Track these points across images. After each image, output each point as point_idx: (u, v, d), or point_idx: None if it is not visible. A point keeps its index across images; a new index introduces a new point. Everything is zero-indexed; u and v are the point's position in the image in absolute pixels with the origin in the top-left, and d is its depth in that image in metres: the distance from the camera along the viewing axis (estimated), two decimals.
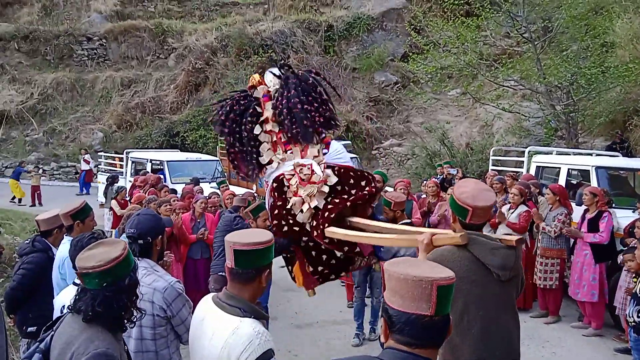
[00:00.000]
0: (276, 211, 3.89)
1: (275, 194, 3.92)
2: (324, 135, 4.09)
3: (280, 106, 3.93)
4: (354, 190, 3.86)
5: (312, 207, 3.73)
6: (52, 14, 24.70)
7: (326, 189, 3.77)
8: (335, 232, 3.70)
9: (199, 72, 21.16)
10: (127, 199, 9.71)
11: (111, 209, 9.71)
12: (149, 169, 12.61)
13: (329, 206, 3.76)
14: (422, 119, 18.50)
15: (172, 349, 2.88)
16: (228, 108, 4.10)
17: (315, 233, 3.73)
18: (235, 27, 21.79)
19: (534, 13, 12.47)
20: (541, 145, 12.12)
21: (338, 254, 3.87)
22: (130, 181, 12.06)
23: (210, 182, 11.30)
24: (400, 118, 19.10)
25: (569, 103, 12.00)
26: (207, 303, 2.24)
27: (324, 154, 4.04)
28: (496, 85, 13.76)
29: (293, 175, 3.83)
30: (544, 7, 12.49)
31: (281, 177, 3.93)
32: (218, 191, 8.37)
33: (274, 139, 4.03)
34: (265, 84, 4.12)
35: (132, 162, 13.61)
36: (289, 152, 3.97)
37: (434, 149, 15.17)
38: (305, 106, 3.89)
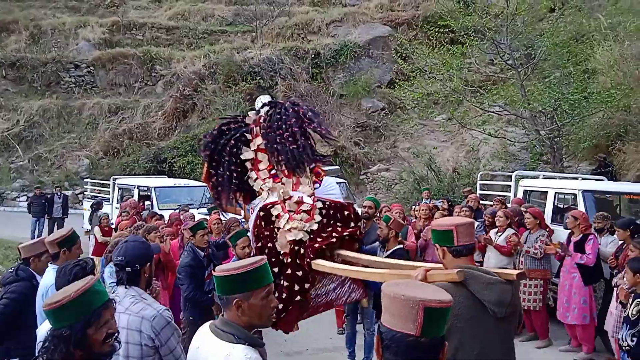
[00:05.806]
0: (260, 243, 3.89)
1: (262, 222, 3.91)
2: (312, 165, 4.10)
3: (269, 138, 3.98)
4: (341, 226, 3.92)
5: (297, 239, 3.76)
6: (40, 41, 24.69)
7: (315, 226, 3.83)
8: (322, 264, 3.73)
9: (187, 99, 21.20)
10: (112, 225, 9.59)
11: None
12: (135, 195, 12.48)
13: (317, 239, 3.80)
14: (409, 144, 18.64)
15: None
16: (217, 131, 4.12)
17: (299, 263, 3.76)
18: (223, 54, 21.97)
19: (517, 41, 12.71)
20: (527, 170, 12.25)
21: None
22: (117, 207, 11.92)
23: (198, 208, 11.19)
24: (387, 143, 19.24)
25: (553, 128, 12.18)
26: (204, 330, 2.24)
27: (316, 188, 4.08)
28: (481, 110, 13.94)
29: (281, 208, 3.86)
30: (526, 35, 12.75)
31: (269, 206, 3.93)
32: (208, 217, 8.28)
33: (262, 167, 4.05)
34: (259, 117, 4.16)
35: (119, 188, 13.47)
36: (279, 183, 3.98)
37: (421, 174, 15.25)
38: (290, 139, 3.93)
